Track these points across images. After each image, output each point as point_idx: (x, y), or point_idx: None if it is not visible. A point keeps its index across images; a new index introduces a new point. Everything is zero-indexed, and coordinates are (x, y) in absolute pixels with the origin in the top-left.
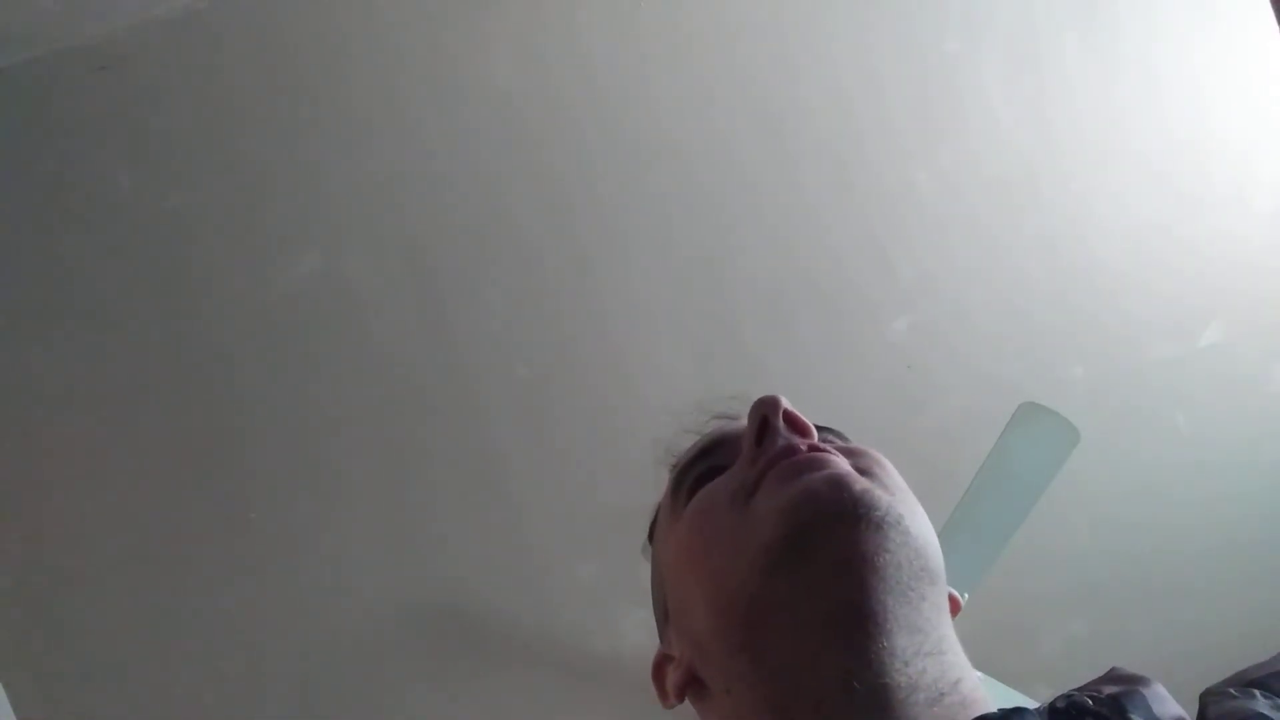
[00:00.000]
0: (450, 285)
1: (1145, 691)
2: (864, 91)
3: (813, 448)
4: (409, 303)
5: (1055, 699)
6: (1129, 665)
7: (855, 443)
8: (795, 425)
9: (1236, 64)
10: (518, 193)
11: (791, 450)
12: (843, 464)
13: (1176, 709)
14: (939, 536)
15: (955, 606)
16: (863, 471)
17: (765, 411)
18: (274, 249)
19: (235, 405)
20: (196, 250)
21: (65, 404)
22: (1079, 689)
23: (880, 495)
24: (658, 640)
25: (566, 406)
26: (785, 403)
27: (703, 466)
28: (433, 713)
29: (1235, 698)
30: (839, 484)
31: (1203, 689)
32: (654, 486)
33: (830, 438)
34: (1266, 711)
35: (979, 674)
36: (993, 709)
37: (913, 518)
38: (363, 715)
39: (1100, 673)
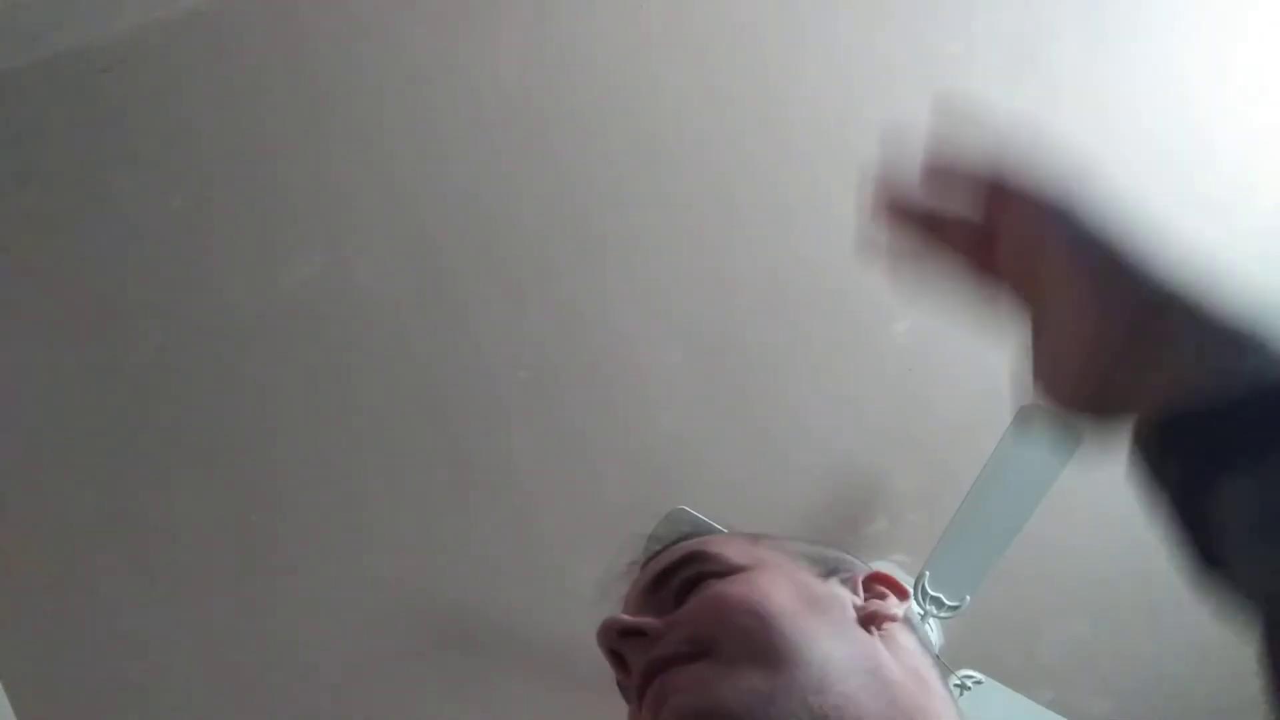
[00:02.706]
0: (457, 285)
1: None
2: (868, 93)
3: (650, 668)
4: (415, 303)
5: None
6: (1129, 668)
7: (713, 569)
8: (635, 635)
9: (1238, 64)
10: (525, 192)
11: (642, 685)
12: (676, 683)
13: None
14: (942, 540)
15: (896, 588)
16: (696, 656)
17: (610, 644)
18: (279, 250)
19: (239, 407)
20: (201, 252)
21: (66, 405)
22: None
23: (710, 709)
24: None
25: (572, 407)
26: (616, 625)
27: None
28: (437, 713)
29: None
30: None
31: (1204, 692)
32: (655, 487)
33: (669, 619)
34: None
35: (979, 675)
36: None
37: (753, 686)
38: (365, 716)
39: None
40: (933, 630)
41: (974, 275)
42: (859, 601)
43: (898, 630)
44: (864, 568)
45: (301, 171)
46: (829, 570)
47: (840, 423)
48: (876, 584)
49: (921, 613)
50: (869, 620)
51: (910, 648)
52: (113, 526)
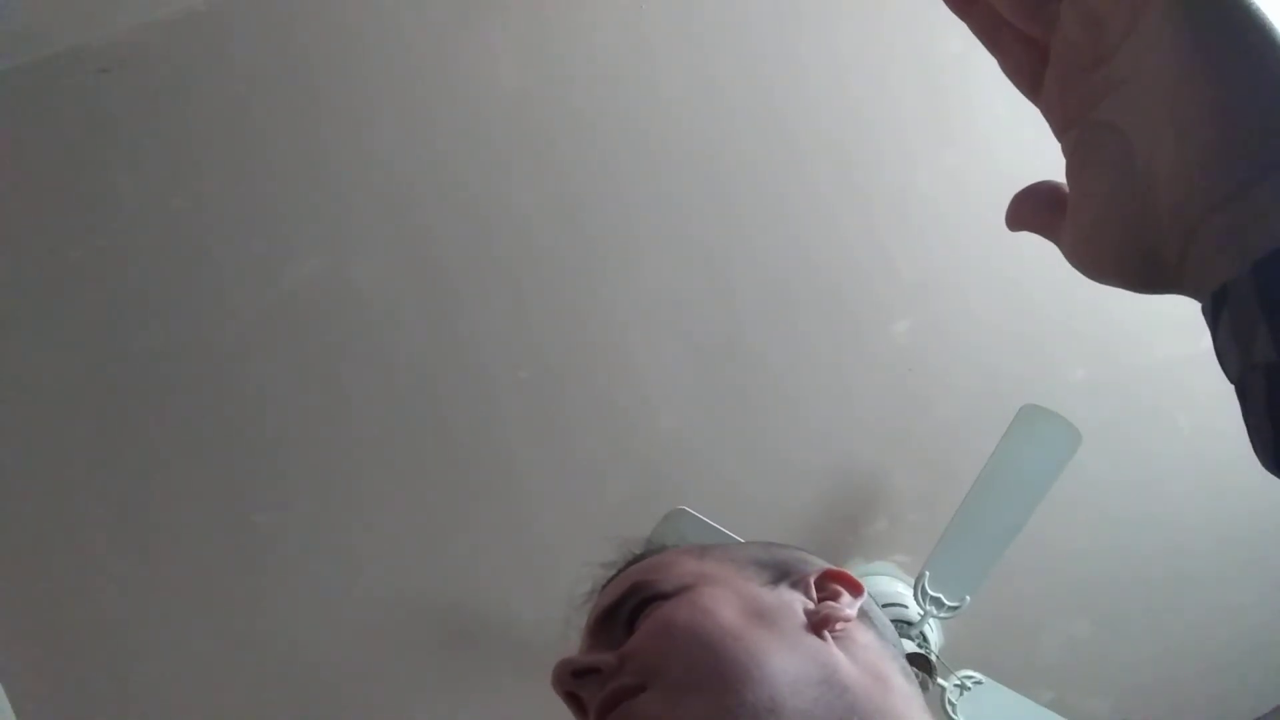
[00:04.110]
0: (456, 286)
1: None
2: (867, 93)
3: (603, 707)
4: (415, 304)
5: None
6: (1129, 668)
7: (660, 591)
8: (589, 674)
9: None
10: (524, 193)
11: None
12: (630, 714)
13: None
14: (942, 540)
15: (849, 583)
16: (645, 688)
17: (565, 688)
18: (279, 251)
19: (238, 407)
20: (200, 252)
21: (66, 404)
22: None
23: None
24: None
25: (573, 407)
26: (568, 667)
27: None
28: (437, 713)
29: None
30: None
31: (1203, 692)
32: (655, 487)
33: (619, 653)
34: None
35: (979, 675)
36: None
37: (702, 717)
38: (366, 715)
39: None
40: (932, 630)
41: (1021, 55)
42: (810, 605)
43: (854, 628)
44: (818, 566)
45: (301, 171)
46: (778, 575)
47: (840, 423)
48: (830, 582)
49: (921, 613)
50: (821, 625)
51: (868, 643)
52: (113, 527)
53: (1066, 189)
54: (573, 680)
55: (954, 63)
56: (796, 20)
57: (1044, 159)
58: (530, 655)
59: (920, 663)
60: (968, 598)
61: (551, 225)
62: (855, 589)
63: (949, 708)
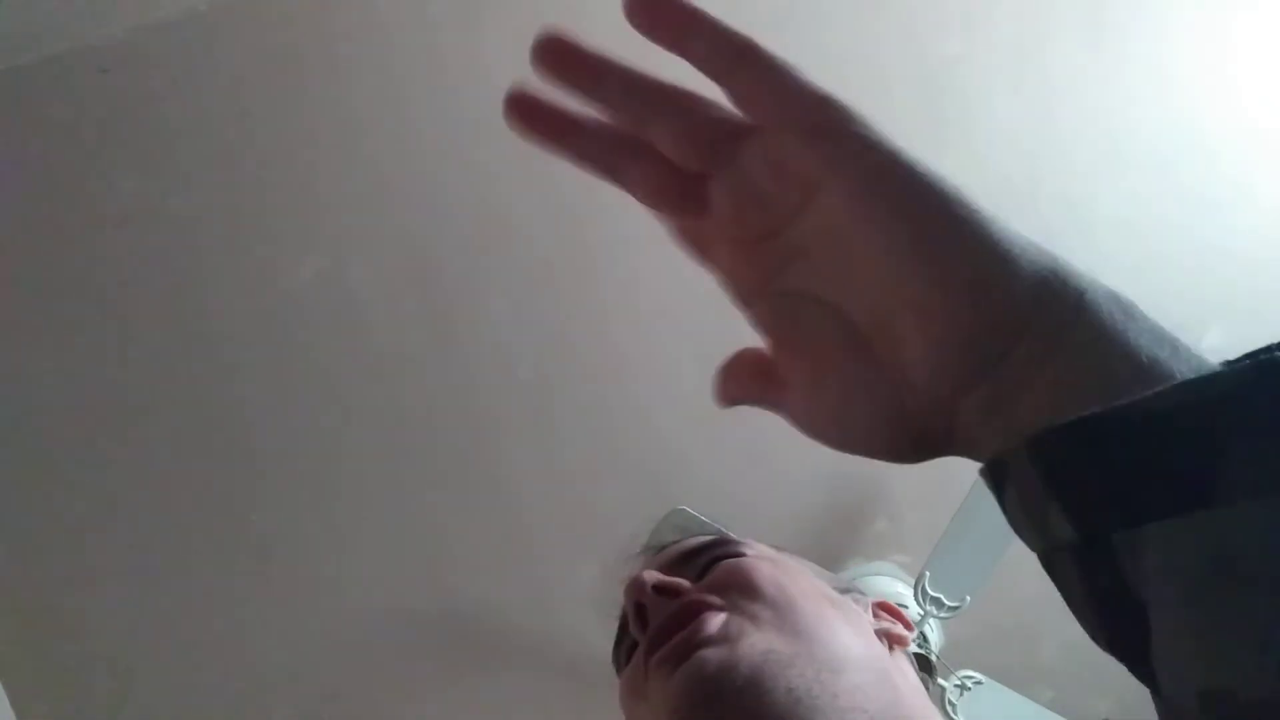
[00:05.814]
0: (453, 288)
1: None
2: (867, 94)
3: (682, 612)
4: (411, 306)
5: None
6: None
7: (741, 551)
8: (667, 592)
9: (1241, 61)
10: (520, 194)
11: (662, 637)
12: (706, 630)
13: None
14: (942, 540)
15: (902, 619)
16: (724, 609)
17: (636, 597)
18: (276, 252)
19: (236, 408)
20: (198, 254)
21: (65, 404)
22: None
23: (732, 662)
24: None
25: (569, 409)
26: (651, 578)
27: (629, 642)
28: (435, 712)
29: None
30: (695, 678)
31: None
32: (654, 488)
33: (705, 573)
34: None
35: (979, 675)
36: None
37: (776, 649)
38: (364, 715)
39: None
40: (933, 630)
41: (677, 211)
42: (871, 620)
43: (900, 657)
44: (869, 598)
45: (299, 172)
46: (843, 589)
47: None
48: (885, 612)
49: (921, 613)
50: (882, 635)
51: (911, 672)
52: (113, 527)
53: (772, 356)
54: (651, 593)
55: (953, 65)
56: (795, 20)
57: (1043, 161)
58: (526, 657)
59: (920, 663)
60: (968, 598)
61: (550, 226)
62: (908, 625)
63: (949, 708)
